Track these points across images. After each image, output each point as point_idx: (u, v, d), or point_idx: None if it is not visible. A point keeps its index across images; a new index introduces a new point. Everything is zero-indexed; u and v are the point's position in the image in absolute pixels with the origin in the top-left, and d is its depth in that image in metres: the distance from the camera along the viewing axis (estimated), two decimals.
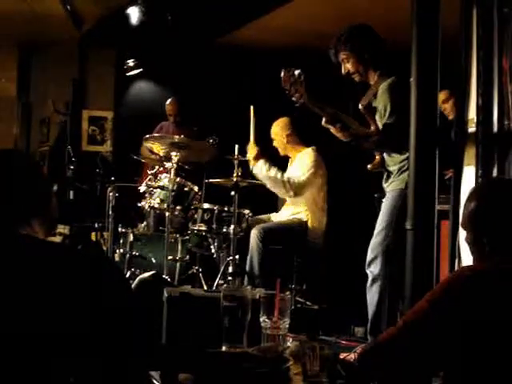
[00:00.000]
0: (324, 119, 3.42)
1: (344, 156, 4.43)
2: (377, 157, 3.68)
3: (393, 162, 3.56)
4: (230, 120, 6.39)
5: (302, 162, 4.57)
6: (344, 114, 3.50)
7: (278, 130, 4.70)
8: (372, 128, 3.56)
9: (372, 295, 3.43)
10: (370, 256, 3.46)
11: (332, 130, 3.44)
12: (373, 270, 3.42)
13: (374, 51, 3.51)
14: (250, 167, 4.44)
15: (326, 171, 4.62)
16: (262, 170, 4.39)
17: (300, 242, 4.51)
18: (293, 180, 4.43)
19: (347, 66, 3.55)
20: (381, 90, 3.50)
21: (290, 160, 4.80)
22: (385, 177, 3.64)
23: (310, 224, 4.52)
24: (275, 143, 4.73)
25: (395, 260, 3.35)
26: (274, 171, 4.39)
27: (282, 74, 3.34)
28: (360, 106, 3.58)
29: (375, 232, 3.49)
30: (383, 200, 3.60)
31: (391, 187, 3.55)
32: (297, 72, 3.32)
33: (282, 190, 4.46)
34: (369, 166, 3.73)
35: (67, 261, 1.38)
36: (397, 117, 3.39)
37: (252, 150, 4.37)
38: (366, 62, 3.52)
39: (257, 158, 4.38)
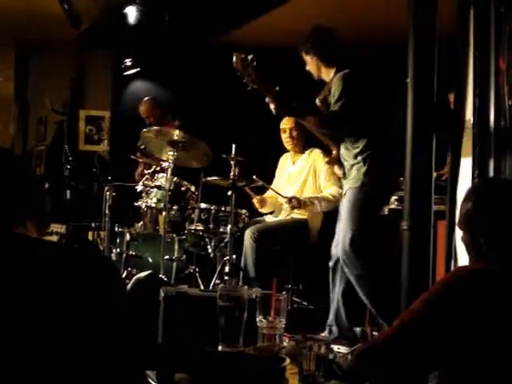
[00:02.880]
0: (267, 97, 3.53)
1: None
2: (333, 151, 3.81)
3: (348, 155, 3.65)
4: (227, 119, 6.39)
5: (321, 169, 4.57)
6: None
7: (296, 125, 4.56)
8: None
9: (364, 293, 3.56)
10: (341, 257, 3.56)
11: (271, 104, 3.53)
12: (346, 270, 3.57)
13: (323, 51, 3.69)
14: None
15: None
16: (315, 207, 4.47)
17: (296, 241, 4.50)
18: (334, 195, 4.46)
19: (307, 66, 3.79)
20: (333, 81, 3.63)
21: (290, 157, 4.78)
22: (342, 172, 3.73)
23: (309, 223, 4.52)
24: (294, 133, 4.61)
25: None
26: (317, 200, 4.47)
27: (234, 58, 3.47)
28: (317, 100, 3.73)
29: (339, 233, 3.61)
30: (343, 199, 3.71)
31: (349, 184, 3.64)
32: (250, 56, 3.45)
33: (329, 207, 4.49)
34: (326, 160, 3.96)
35: (63, 260, 1.37)
36: (343, 103, 3.50)
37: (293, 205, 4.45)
38: (316, 61, 3.71)
39: (298, 202, 4.43)
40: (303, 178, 4.63)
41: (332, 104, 3.58)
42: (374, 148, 3.57)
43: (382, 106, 3.69)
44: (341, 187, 4.38)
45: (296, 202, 4.41)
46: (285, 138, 4.66)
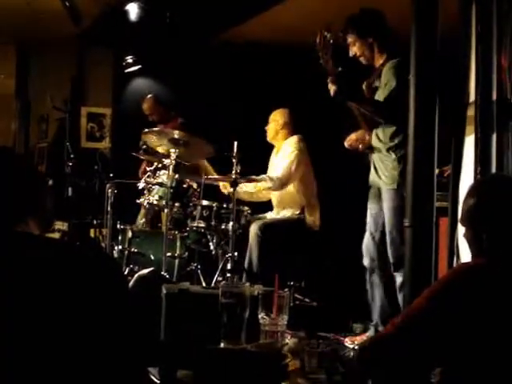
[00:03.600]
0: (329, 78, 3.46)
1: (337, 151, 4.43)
2: (367, 137, 3.67)
3: (381, 146, 3.54)
4: (228, 117, 6.39)
5: (285, 151, 4.64)
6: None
7: (277, 116, 4.77)
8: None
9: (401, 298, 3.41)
10: (395, 259, 3.44)
11: (332, 86, 3.47)
12: (401, 272, 3.37)
13: (380, 36, 3.58)
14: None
15: (310, 162, 4.69)
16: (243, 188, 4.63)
17: (299, 238, 4.52)
18: (276, 176, 4.55)
19: (354, 49, 3.63)
20: (385, 69, 3.54)
21: (274, 149, 4.84)
22: (372, 169, 3.64)
23: (307, 220, 4.54)
24: (268, 127, 4.78)
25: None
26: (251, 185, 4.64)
27: (318, 35, 3.39)
28: (364, 84, 3.65)
29: (389, 236, 3.48)
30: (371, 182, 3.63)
31: (384, 186, 3.54)
32: (329, 35, 3.39)
33: (268, 186, 4.58)
34: (360, 147, 3.73)
35: (65, 258, 1.37)
36: (396, 93, 3.41)
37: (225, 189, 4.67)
38: (371, 45, 3.60)
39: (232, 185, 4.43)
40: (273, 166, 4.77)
41: (383, 91, 3.50)
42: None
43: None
44: (283, 173, 4.51)
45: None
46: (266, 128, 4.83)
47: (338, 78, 3.43)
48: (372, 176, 3.66)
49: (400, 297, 3.43)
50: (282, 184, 4.55)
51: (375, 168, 3.62)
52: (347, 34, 3.63)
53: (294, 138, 4.68)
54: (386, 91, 3.48)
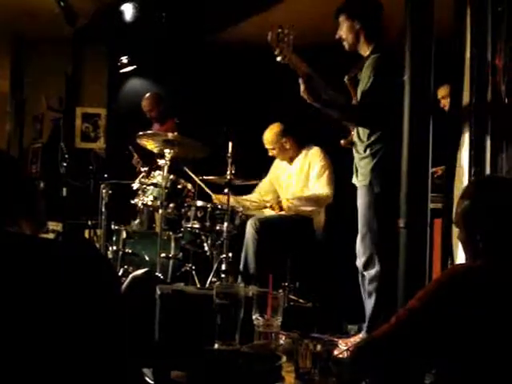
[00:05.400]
0: (301, 78, 3.36)
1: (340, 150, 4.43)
2: (352, 133, 3.59)
3: (360, 146, 3.46)
4: (224, 117, 6.38)
5: (314, 166, 4.58)
6: (322, 80, 3.45)
7: (275, 138, 4.69)
8: (353, 101, 3.50)
9: (370, 295, 3.42)
10: (363, 257, 3.43)
11: (302, 88, 3.36)
12: (370, 271, 3.40)
13: (369, 24, 3.44)
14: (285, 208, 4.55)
15: None
16: (294, 206, 4.53)
17: (296, 237, 4.52)
18: (320, 196, 4.52)
19: (340, 32, 3.50)
20: (367, 63, 3.42)
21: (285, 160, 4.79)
22: (354, 166, 3.57)
23: (314, 220, 4.54)
24: (274, 152, 4.72)
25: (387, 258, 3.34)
26: (298, 200, 4.53)
27: (270, 32, 3.28)
28: (346, 77, 3.54)
29: (360, 234, 3.47)
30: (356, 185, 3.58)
31: (358, 183, 3.50)
32: (286, 30, 3.28)
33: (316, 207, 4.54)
34: (342, 142, 3.69)
35: (58, 258, 1.37)
36: (374, 93, 3.32)
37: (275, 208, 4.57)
38: (357, 32, 3.45)
39: (280, 207, 4.52)
40: (301, 178, 4.64)
41: (362, 90, 3.40)
42: (385, 142, 3.37)
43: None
44: (330, 189, 4.44)
45: (277, 208, 4.53)
46: (270, 154, 4.77)
47: (307, 79, 3.33)
48: (354, 175, 3.60)
49: (371, 287, 3.40)
50: (328, 201, 4.52)
51: (355, 167, 3.56)
52: (339, 13, 3.49)
53: (317, 151, 4.61)
54: (364, 89, 3.38)
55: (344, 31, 3.48)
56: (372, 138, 3.40)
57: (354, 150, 3.54)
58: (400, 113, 3.21)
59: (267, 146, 4.73)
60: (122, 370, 1.38)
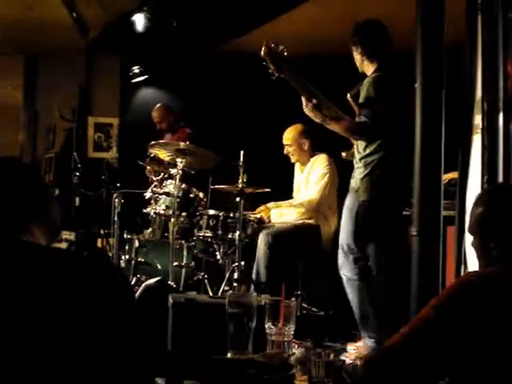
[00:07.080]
0: (302, 97, 3.47)
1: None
2: (354, 146, 3.71)
3: (358, 155, 3.59)
4: (235, 126, 6.39)
5: (316, 172, 4.59)
6: (323, 97, 3.51)
7: (296, 136, 4.65)
8: (356, 118, 3.61)
9: (350, 296, 3.60)
10: (340, 260, 3.60)
11: (303, 104, 3.47)
12: (345, 272, 3.60)
13: (367, 46, 3.62)
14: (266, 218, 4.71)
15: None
16: (277, 215, 4.65)
17: (307, 247, 4.50)
18: (305, 201, 4.56)
19: (355, 57, 3.71)
20: (365, 81, 3.58)
21: (297, 166, 4.79)
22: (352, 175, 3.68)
23: (322, 228, 4.52)
24: (290, 149, 4.67)
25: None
26: (286, 208, 4.65)
27: (263, 46, 3.38)
28: (348, 95, 3.68)
29: (340, 236, 3.62)
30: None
31: (350, 186, 3.61)
32: (281, 47, 3.39)
33: (302, 212, 4.58)
34: (343, 154, 3.87)
35: (70, 268, 1.37)
36: (368, 110, 3.47)
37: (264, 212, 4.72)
38: (360, 55, 3.65)
39: (266, 213, 4.66)
40: (307, 186, 4.66)
41: (360, 107, 3.55)
42: (379, 155, 3.50)
43: (401, 114, 3.52)
44: (319, 195, 4.51)
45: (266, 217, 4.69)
46: (285, 152, 4.74)
47: (309, 96, 3.43)
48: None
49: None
50: (315, 209, 4.54)
51: (352, 176, 3.68)
52: (349, 40, 3.70)
53: (323, 158, 4.61)
54: (361, 106, 3.53)
55: (354, 55, 3.71)
56: (368, 151, 3.54)
57: (354, 161, 3.68)
58: (398, 126, 3.45)
59: (286, 142, 4.68)
60: (136, 379, 1.38)
